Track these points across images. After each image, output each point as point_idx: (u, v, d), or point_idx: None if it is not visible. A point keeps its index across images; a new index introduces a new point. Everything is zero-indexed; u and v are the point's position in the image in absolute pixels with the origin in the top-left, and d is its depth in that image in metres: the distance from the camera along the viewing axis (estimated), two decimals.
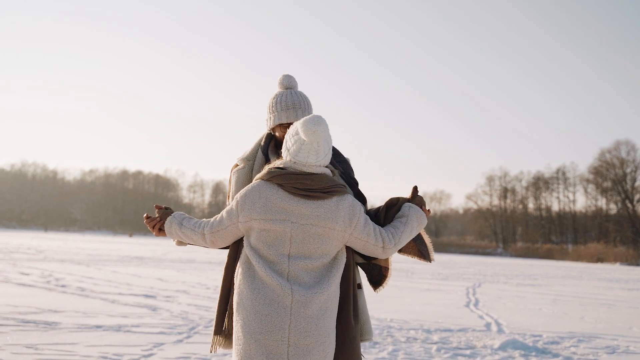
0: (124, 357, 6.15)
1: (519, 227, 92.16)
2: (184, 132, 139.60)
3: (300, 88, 3.23)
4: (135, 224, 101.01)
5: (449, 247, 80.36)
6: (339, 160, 3.14)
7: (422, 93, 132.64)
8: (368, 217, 2.85)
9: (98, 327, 7.90)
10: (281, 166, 2.81)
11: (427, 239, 3.06)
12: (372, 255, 2.85)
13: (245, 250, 2.78)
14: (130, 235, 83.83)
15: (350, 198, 2.82)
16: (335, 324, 2.76)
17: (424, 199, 3.02)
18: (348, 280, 2.83)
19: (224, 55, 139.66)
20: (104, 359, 6.01)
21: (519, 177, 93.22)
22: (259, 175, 2.82)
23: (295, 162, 2.78)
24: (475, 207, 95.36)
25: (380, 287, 3.06)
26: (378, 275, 3.06)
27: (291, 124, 3.05)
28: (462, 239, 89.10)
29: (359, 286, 3.06)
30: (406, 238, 2.88)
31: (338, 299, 2.77)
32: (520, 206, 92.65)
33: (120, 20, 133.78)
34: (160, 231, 3.02)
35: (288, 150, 2.79)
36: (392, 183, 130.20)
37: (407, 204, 2.95)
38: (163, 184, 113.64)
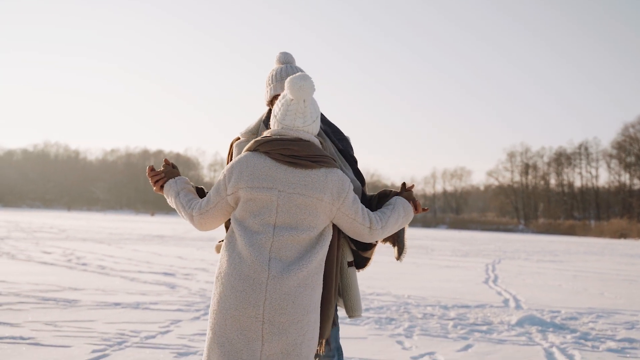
0: (141, 333, 6.21)
1: (540, 204, 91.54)
2: (205, 110, 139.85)
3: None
4: (157, 203, 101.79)
5: (470, 224, 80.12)
6: (339, 138, 3.13)
7: (442, 70, 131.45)
8: (357, 196, 2.79)
9: (117, 304, 7.99)
10: (268, 135, 2.77)
11: (406, 239, 3.05)
12: (358, 237, 2.79)
13: (231, 223, 2.73)
14: (152, 214, 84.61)
15: (339, 172, 2.74)
16: (318, 302, 2.70)
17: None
18: (332, 260, 2.78)
19: (246, 34, 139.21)
20: (122, 336, 6.07)
21: (541, 153, 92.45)
22: (246, 147, 2.78)
23: (282, 128, 2.73)
24: (496, 183, 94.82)
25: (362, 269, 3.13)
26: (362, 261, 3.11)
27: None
28: (483, 216, 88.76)
29: (350, 264, 3.05)
30: (392, 224, 2.83)
31: (322, 276, 2.71)
32: (542, 182, 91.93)
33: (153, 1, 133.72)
34: (161, 189, 2.96)
35: (275, 117, 2.76)
36: (414, 160, 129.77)
37: (396, 196, 2.96)
38: (184, 162, 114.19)
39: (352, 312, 3.07)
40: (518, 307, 9.33)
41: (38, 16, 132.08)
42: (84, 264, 13.11)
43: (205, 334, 6.33)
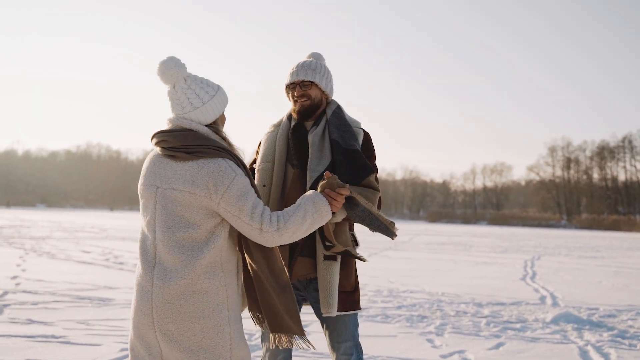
0: None
1: (583, 198, 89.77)
2: (241, 106, 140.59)
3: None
4: None
5: (511, 220, 78.98)
6: (342, 130, 3.09)
7: (481, 65, 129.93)
8: (252, 193, 2.51)
9: None
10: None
11: (381, 217, 2.83)
12: (253, 239, 2.55)
13: None
14: None
15: (221, 163, 2.48)
16: (221, 304, 2.51)
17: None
18: (259, 258, 2.61)
19: (277, 28, 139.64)
20: None
21: (583, 146, 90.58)
22: None
23: (169, 119, 2.62)
24: (537, 178, 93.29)
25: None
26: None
27: (295, 83, 3.12)
28: (524, 212, 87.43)
29: (328, 257, 3.01)
30: (297, 224, 2.55)
31: (215, 281, 2.50)
32: (585, 177, 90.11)
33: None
34: None
35: None
36: (453, 156, 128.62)
37: (309, 191, 2.71)
38: None
39: (323, 308, 3.02)
40: (555, 304, 9.14)
41: (75, 20, 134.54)
42: (120, 263, 13.29)
43: None
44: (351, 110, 3.30)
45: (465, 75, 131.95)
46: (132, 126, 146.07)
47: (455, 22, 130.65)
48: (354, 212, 2.79)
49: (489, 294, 10.09)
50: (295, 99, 3.14)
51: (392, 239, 2.90)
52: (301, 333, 2.70)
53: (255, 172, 3.21)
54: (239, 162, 2.60)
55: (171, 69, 2.57)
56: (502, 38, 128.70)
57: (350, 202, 2.77)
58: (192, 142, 2.50)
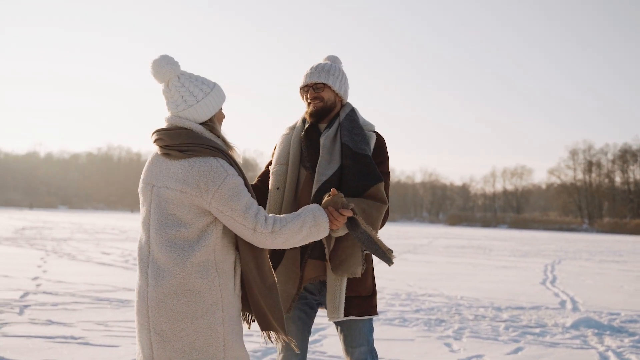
0: None
1: (605, 202, 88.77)
2: (265, 110, 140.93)
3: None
4: None
5: (531, 224, 78.33)
6: (354, 133, 3.07)
7: (500, 67, 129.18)
8: (244, 193, 2.49)
9: None
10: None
11: (380, 242, 2.79)
12: (247, 240, 2.54)
13: None
14: None
15: (214, 162, 2.46)
16: (214, 304, 2.49)
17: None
18: (248, 257, 2.59)
19: (303, 33, 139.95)
20: None
21: (605, 150, 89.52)
22: None
23: (165, 118, 2.63)
24: (558, 182, 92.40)
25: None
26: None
27: (308, 86, 3.13)
28: (545, 215, 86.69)
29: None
30: (293, 231, 2.54)
31: (208, 280, 2.48)
32: (607, 180, 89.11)
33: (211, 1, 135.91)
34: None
35: None
36: (473, 159, 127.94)
37: (312, 204, 2.72)
38: (242, 164, 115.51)
39: (329, 312, 3.01)
40: (575, 309, 9.04)
41: (96, 19, 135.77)
42: None
43: (251, 335, 6.33)
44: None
45: (486, 79, 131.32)
46: (152, 128, 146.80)
47: (476, 26, 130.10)
48: (354, 233, 2.77)
49: (508, 298, 10.01)
50: (308, 101, 3.15)
51: (389, 266, 2.87)
52: (285, 335, 2.70)
53: (270, 174, 3.21)
54: (232, 161, 2.57)
55: (163, 67, 2.56)
56: (524, 42, 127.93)
57: (351, 222, 2.75)
58: (184, 141, 2.49)
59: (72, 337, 5.92)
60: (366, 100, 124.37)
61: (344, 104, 3.21)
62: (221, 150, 2.54)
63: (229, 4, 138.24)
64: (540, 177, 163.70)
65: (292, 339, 2.73)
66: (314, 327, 6.60)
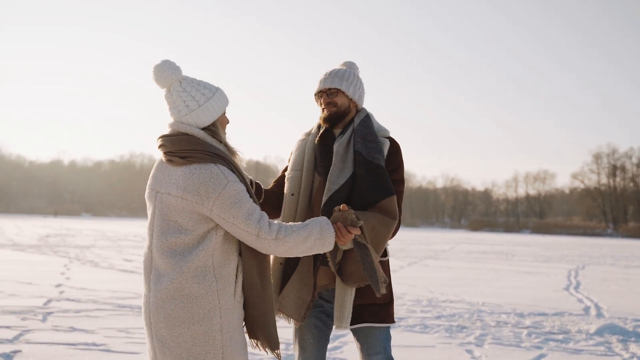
0: None
1: (630, 207, 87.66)
2: (285, 116, 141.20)
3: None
4: None
5: (555, 229, 77.59)
6: (368, 140, 3.04)
7: (522, 70, 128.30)
8: (246, 199, 2.47)
9: None
10: None
11: (378, 270, 2.79)
12: (251, 246, 2.53)
13: None
14: None
15: (214, 169, 2.44)
16: (211, 310, 2.46)
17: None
18: (252, 264, 2.57)
19: (324, 39, 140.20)
20: None
21: (629, 153, 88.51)
22: None
23: (169, 124, 2.61)
24: (581, 186, 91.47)
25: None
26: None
27: (323, 91, 3.13)
28: (569, 220, 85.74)
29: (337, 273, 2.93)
30: (297, 241, 2.52)
31: (205, 285, 2.45)
32: (631, 184, 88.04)
33: (231, 4, 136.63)
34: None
35: None
36: (495, 164, 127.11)
37: (320, 216, 2.79)
38: (263, 170, 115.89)
39: (335, 320, 2.96)
40: (599, 315, 8.92)
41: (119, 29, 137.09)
42: None
43: None
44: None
45: (507, 83, 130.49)
46: None
47: (497, 31, 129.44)
48: (358, 249, 2.76)
49: (531, 304, 9.90)
50: (322, 106, 3.14)
51: (376, 294, 2.83)
52: (272, 347, 2.65)
53: (285, 180, 3.20)
54: (234, 167, 2.55)
55: (164, 72, 2.56)
56: (547, 46, 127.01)
57: (356, 240, 2.74)
58: (185, 147, 2.47)
59: (94, 344, 5.97)
60: (388, 105, 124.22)
61: (359, 110, 3.19)
62: (222, 157, 2.51)
63: (257, 12, 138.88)
64: (563, 181, 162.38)
65: (279, 353, 2.69)
66: (334, 333, 6.59)
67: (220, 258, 2.50)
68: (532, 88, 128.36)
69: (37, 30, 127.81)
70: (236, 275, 2.56)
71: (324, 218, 2.63)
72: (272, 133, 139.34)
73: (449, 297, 10.38)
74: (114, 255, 17.90)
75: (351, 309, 2.95)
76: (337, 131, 3.15)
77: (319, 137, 3.15)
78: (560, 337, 7.06)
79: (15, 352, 5.54)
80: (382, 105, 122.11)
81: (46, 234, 29.83)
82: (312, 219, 2.63)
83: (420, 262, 18.60)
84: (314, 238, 2.55)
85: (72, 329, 6.64)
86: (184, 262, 2.45)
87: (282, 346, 6.16)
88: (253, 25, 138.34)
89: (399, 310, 8.64)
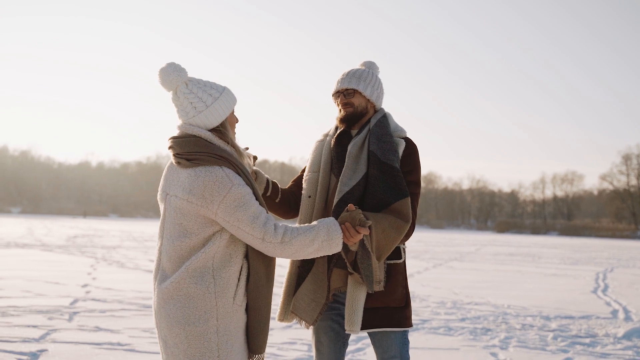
0: None
1: None
2: (311, 116, 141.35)
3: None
4: None
5: (583, 231, 76.63)
6: (383, 141, 2.97)
7: (549, 70, 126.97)
8: (252, 202, 2.44)
9: None
10: None
11: (375, 272, 2.77)
12: (258, 249, 2.51)
13: None
14: None
15: (219, 172, 2.43)
16: (208, 312, 2.43)
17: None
18: (258, 268, 2.54)
19: (350, 41, 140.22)
20: None
21: None
22: None
23: (178, 126, 2.61)
24: (610, 187, 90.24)
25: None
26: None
27: (340, 92, 3.10)
28: (597, 222, 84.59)
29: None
30: (304, 243, 2.50)
31: (202, 287, 2.43)
32: None
33: (262, 5, 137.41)
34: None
35: None
36: (522, 165, 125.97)
37: (328, 217, 2.72)
38: (289, 172, 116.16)
39: (346, 324, 2.90)
40: (627, 318, 8.78)
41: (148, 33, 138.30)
42: None
43: (294, 343, 6.34)
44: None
45: (534, 83, 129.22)
46: None
47: (524, 34, 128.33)
48: (359, 249, 2.74)
49: (557, 306, 9.79)
50: (339, 107, 3.11)
51: (369, 291, 2.84)
52: (256, 351, 2.59)
53: (303, 181, 3.17)
54: (240, 170, 2.52)
55: (170, 74, 2.56)
56: (575, 46, 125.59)
57: (362, 241, 2.72)
58: (192, 149, 2.47)
59: (119, 344, 6.02)
60: (413, 107, 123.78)
61: (377, 110, 3.15)
62: (228, 159, 2.49)
63: (287, 14, 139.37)
64: (591, 183, 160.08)
65: (262, 357, 2.63)
66: (358, 335, 6.57)
67: (221, 260, 2.48)
68: (559, 89, 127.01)
69: (67, 37, 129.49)
70: (238, 279, 2.53)
71: (331, 219, 2.60)
72: (297, 134, 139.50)
73: (474, 299, 10.30)
74: (140, 255, 18.07)
75: (361, 313, 2.88)
76: (354, 132, 3.11)
77: (336, 138, 3.12)
78: (587, 340, 6.96)
79: (42, 351, 5.61)
80: (407, 107, 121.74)
81: (74, 234, 30.20)
82: (319, 220, 2.60)
83: (445, 264, 18.48)
84: (321, 240, 2.52)
85: (98, 329, 6.71)
86: (185, 263, 2.47)
87: (304, 347, 6.16)
88: (283, 27, 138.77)
89: (422, 312, 8.59)
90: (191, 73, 2.65)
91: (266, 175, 3.16)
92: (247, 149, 2.81)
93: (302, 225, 2.57)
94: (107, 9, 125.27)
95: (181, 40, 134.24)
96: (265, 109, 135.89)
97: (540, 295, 11.24)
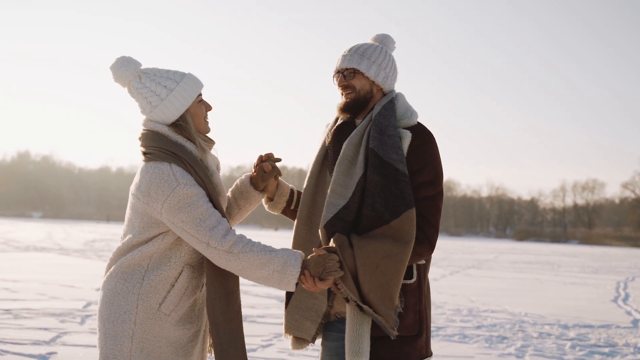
0: None
1: None
2: (327, 122, 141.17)
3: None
4: (281, 218, 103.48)
5: (604, 239, 75.72)
6: (386, 134, 2.39)
7: (570, 77, 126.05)
8: (200, 204, 2.25)
9: None
10: None
11: (377, 307, 2.27)
12: (205, 255, 2.28)
13: None
14: (276, 229, 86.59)
15: (167, 169, 2.26)
16: (122, 313, 2.29)
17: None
18: (219, 278, 2.30)
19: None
20: None
21: None
22: None
23: (142, 122, 2.50)
24: (632, 196, 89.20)
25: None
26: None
27: (340, 72, 2.54)
28: (619, 231, 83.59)
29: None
30: (253, 264, 2.24)
31: (128, 284, 2.30)
32: None
33: (280, 9, 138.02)
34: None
35: None
36: (541, 173, 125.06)
37: (298, 251, 2.33)
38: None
39: (347, 355, 2.33)
40: None
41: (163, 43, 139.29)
42: None
43: (306, 348, 6.25)
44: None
45: (554, 90, 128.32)
46: (220, 140, 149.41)
47: (545, 40, 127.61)
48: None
49: (576, 315, 9.61)
50: (340, 91, 2.55)
51: (390, 336, 2.33)
52: None
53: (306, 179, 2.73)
54: (192, 169, 2.33)
55: (119, 69, 2.38)
56: (593, 50, 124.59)
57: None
58: (147, 143, 2.34)
59: None
60: (431, 113, 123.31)
61: (385, 93, 2.55)
62: (179, 156, 2.31)
63: (303, 19, 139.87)
64: (613, 191, 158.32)
65: None
66: None
67: (157, 263, 2.33)
68: (580, 96, 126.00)
69: (85, 41, 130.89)
70: (172, 285, 2.33)
71: (296, 254, 2.29)
72: (316, 140, 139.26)
73: (490, 307, 10.15)
74: None
75: (368, 340, 2.32)
76: (358, 122, 2.55)
77: (333, 131, 2.58)
78: (606, 350, 6.80)
79: (51, 353, 5.58)
80: (425, 113, 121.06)
81: (92, 239, 30.37)
82: (284, 248, 2.32)
83: (462, 271, 18.30)
84: (273, 270, 2.25)
85: None
86: (121, 259, 2.37)
87: (315, 353, 6.07)
88: (299, 32, 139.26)
89: (437, 319, 8.46)
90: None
91: (291, 186, 2.78)
92: (279, 160, 2.62)
93: (263, 244, 2.31)
94: (128, 8, 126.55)
95: (203, 45, 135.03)
96: (283, 114, 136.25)
97: (558, 304, 11.06)
